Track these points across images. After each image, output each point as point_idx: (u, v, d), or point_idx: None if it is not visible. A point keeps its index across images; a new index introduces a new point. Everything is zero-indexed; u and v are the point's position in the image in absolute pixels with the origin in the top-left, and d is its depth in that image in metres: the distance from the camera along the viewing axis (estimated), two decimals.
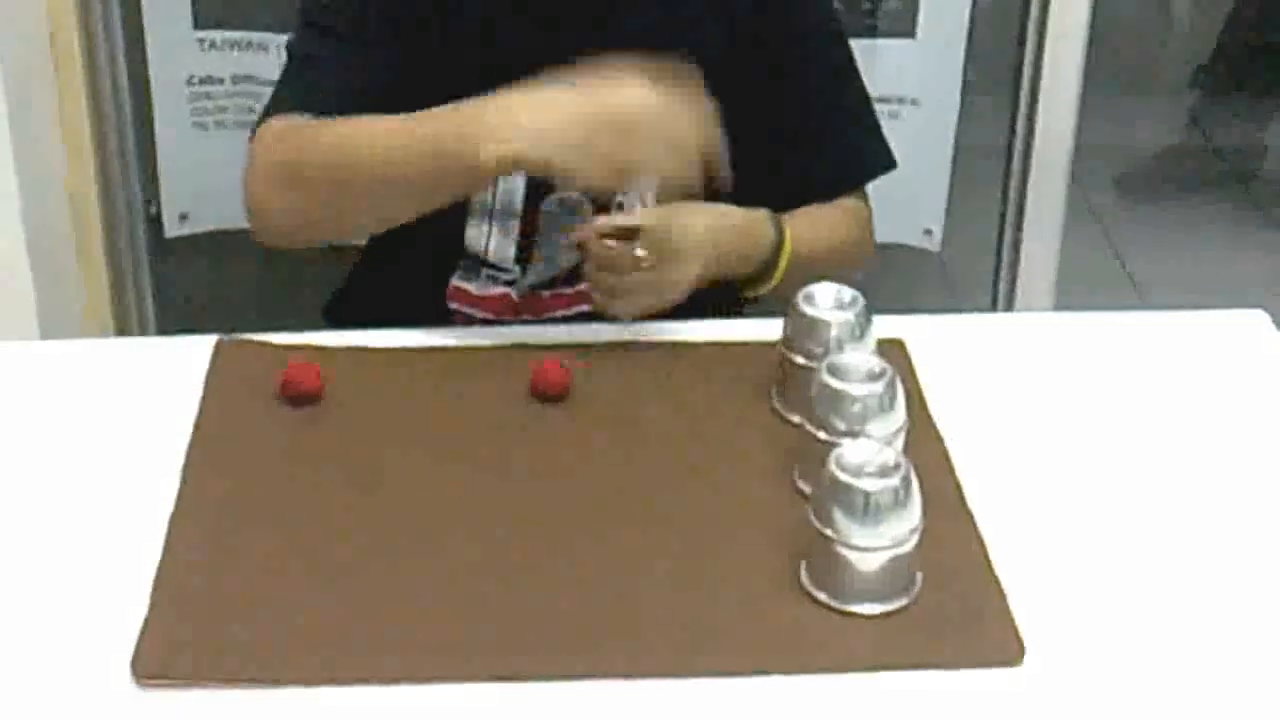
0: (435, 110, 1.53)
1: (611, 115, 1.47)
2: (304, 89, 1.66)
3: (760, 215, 1.67)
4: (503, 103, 1.50)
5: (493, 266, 1.75)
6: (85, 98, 2.39)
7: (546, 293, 1.76)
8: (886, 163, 1.83)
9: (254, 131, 1.66)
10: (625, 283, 1.57)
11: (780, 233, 1.66)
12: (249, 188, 1.64)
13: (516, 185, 1.71)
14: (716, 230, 1.62)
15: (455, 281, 1.76)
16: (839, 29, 1.81)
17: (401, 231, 1.63)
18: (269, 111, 1.67)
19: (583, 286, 1.74)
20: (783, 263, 1.66)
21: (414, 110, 1.54)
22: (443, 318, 1.75)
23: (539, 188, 1.71)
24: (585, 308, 1.75)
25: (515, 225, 1.73)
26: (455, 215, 1.71)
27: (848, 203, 1.80)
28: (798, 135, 1.76)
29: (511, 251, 1.74)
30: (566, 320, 1.74)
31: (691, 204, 1.60)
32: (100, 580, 1.29)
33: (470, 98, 1.52)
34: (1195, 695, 1.21)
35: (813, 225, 1.72)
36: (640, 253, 1.56)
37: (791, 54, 1.74)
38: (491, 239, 1.74)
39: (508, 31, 1.69)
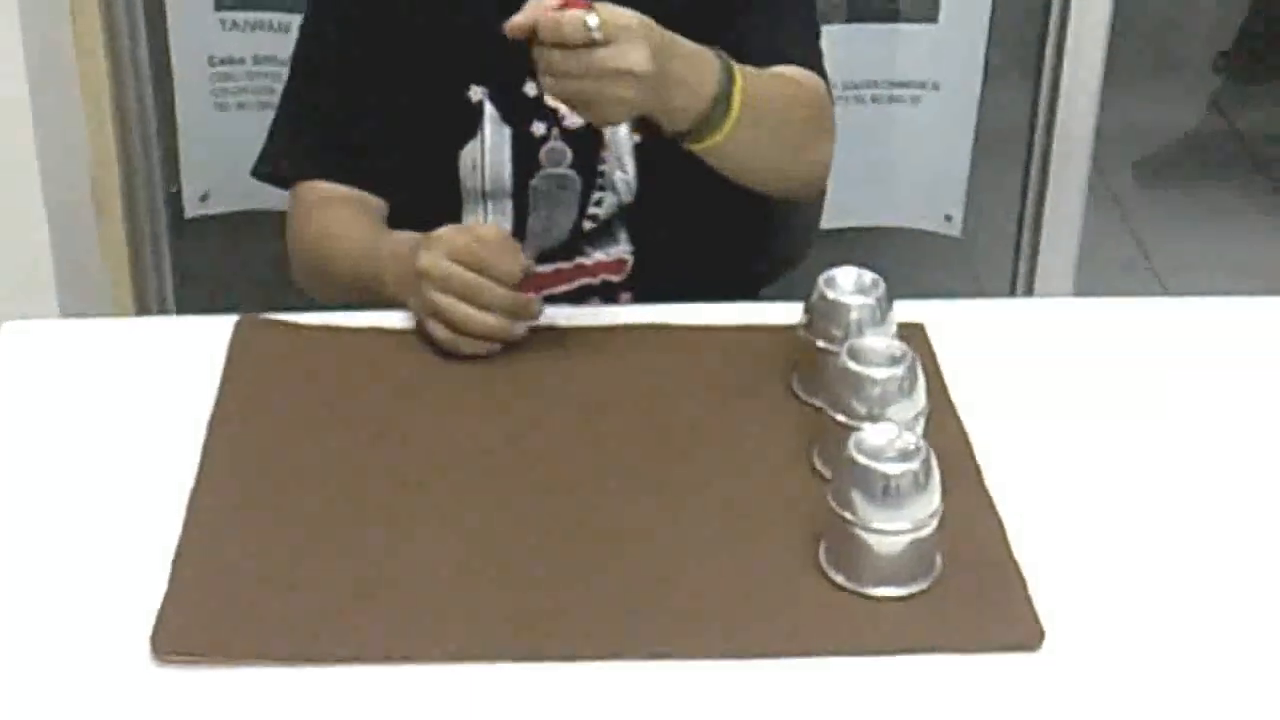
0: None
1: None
2: (315, 149, 1.76)
3: (706, 49, 1.54)
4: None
5: None
6: (107, 78, 2.40)
7: (548, 267, 1.76)
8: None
9: (285, 181, 1.78)
10: (578, 60, 1.41)
11: (729, 67, 1.53)
12: (286, 244, 1.78)
13: (503, 161, 1.72)
14: (664, 34, 1.48)
15: None
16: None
17: (398, 226, 1.66)
18: (288, 163, 1.78)
19: (582, 260, 1.75)
20: (736, 98, 1.51)
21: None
22: None
23: (526, 165, 1.72)
24: (586, 281, 1.75)
25: (509, 205, 1.74)
26: (450, 205, 1.74)
27: (803, 74, 1.70)
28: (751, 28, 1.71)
29: (507, 231, 1.74)
30: (569, 296, 1.75)
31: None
32: (120, 558, 1.30)
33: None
34: (1214, 681, 1.21)
35: (765, 75, 1.61)
36: (592, 20, 1.39)
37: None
38: (487, 223, 1.74)
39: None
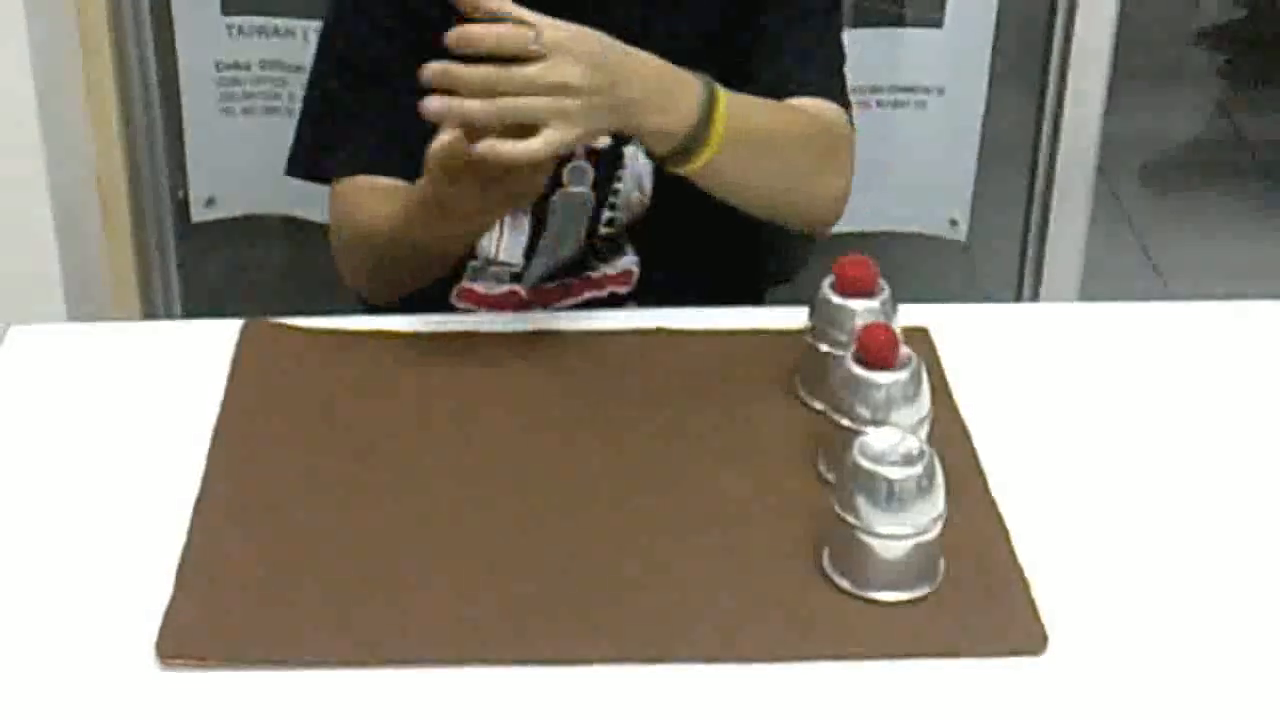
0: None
1: None
2: (355, 146, 1.70)
3: (689, 74, 1.50)
4: None
5: (501, 264, 1.75)
6: (114, 83, 2.40)
7: (552, 284, 1.76)
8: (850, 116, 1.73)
9: (326, 179, 1.73)
10: (511, 75, 1.38)
11: (713, 94, 1.50)
12: (333, 251, 1.73)
13: None
14: (618, 51, 1.45)
15: (464, 283, 1.76)
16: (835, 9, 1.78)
17: None
18: (328, 160, 1.72)
19: (589, 273, 1.75)
20: (718, 125, 1.48)
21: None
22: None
23: (549, 181, 1.71)
24: (593, 294, 1.75)
25: (526, 219, 1.72)
26: None
27: (821, 105, 1.68)
28: (770, 55, 1.69)
29: (522, 246, 1.74)
30: (575, 310, 1.74)
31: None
32: (125, 563, 1.30)
33: None
34: (1219, 685, 1.21)
35: (766, 104, 1.59)
36: (529, 33, 1.38)
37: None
38: (503, 238, 1.73)
39: None
